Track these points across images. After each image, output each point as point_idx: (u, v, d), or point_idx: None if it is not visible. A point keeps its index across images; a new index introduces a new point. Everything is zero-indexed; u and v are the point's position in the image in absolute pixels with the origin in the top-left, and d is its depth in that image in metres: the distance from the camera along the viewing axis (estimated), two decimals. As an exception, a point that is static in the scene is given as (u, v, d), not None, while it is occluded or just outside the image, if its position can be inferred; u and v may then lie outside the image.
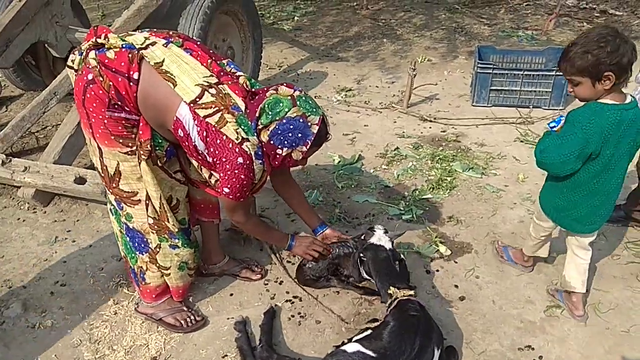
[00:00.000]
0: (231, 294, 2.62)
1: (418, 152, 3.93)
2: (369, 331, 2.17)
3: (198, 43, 2.10)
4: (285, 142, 1.97)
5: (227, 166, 1.95)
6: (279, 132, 1.95)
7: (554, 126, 2.13)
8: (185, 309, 2.46)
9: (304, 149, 2.00)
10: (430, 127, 4.35)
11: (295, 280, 2.67)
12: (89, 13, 5.70)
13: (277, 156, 2.02)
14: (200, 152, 1.99)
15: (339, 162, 3.80)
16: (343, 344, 2.11)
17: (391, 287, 2.25)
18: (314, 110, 2.00)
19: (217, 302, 2.58)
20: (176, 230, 2.21)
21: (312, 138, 1.99)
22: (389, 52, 6.16)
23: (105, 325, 2.46)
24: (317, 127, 1.99)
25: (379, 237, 2.45)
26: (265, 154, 2.03)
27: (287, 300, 2.58)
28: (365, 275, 2.44)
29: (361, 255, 2.42)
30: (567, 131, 2.04)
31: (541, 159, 2.15)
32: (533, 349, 2.30)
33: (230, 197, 2.04)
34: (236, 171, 1.95)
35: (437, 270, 2.78)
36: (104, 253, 2.92)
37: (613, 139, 2.01)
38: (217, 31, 4.22)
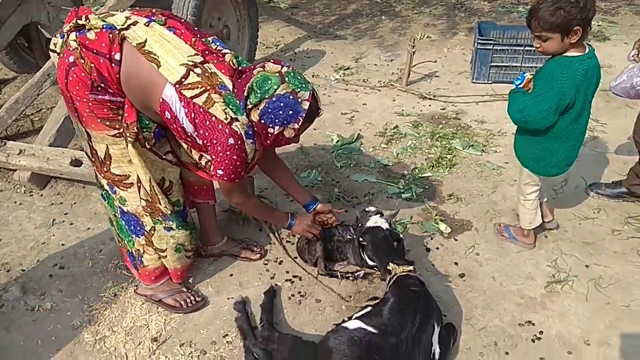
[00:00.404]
0: (231, 275, 2.61)
1: (417, 130, 3.89)
2: (369, 308, 2.17)
3: (182, 21, 2.04)
4: (277, 120, 1.93)
5: (219, 148, 1.91)
6: (270, 110, 1.91)
7: (519, 83, 2.29)
8: (185, 289, 2.45)
9: (296, 126, 1.96)
10: (429, 105, 4.30)
11: (296, 260, 2.66)
12: (81, -7, 5.58)
13: (269, 135, 1.98)
14: (189, 134, 1.95)
15: (338, 141, 3.77)
16: (344, 321, 2.11)
17: (390, 263, 2.25)
18: (304, 85, 1.95)
19: (217, 283, 2.57)
20: (169, 212, 2.19)
21: (304, 114, 1.95)
22: (388, 29, 6.07)
23: (105, 307, 2.46)
24: (307, 103, 1.95)
25: (375, 220, 2.44)
26: (257, 133, 2.00)
27: (287, 280, 2.57)
28: (368, 261, 2.43)
29: (360, 240, 2.41)
30: (543, 88, 2.15)
31: (522, 118, 2.25)
32: (533, 324, 2.30)
33: (225, 179, 2.00)
34: (228, 152, 1.91)
35: (437, 248, 2.77)
36: (102, 235, 2.90)
37: (583, 88, 2.17)
38: (211, 9, 4.14)
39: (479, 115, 4.08)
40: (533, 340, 2.22)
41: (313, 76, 4.93)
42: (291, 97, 1.91)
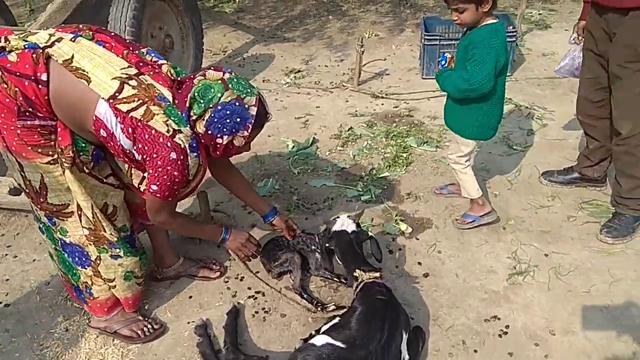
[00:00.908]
0: (190, 297, 2.50)
1: (372, 130, 3.87)
2: (337, 319, 2.12)
3: (112, 34, 1.93)
4: (225, 130, 1.84)
5: (158, 162, 1.79)
6: (216, 120, 1.82)
7: (445, 63, 2.54)
8: (141, 318, 2.32)
9: (246, 133, 1.89)
10: (382, 104, 4.30)
11: (258, 275, 2.58)
12: (15, 9, 5.31)
13: (218, 146, 1.89)
14: (127, 151, 1.83)
15: (293, 147, 3.70)
16: (311, 336, 2.05)
17: (357, 270, 2.20)
18: (248, 90, 1.87)
19: (175, 307, 2.45)
20: (115, 239, 2.06)
21: (252, 120, 1.88)
22: (336, 29, 6.05)
23: (57, 344, 2.30)
24: (255, 108, 1.87)
25: (342, 223, 2.39)
26: (203, 146, 1.90)
27: (249, 297, 2.48)
28: (338, 261, 2.37)
29: (327, 245, 2.36)
30: (481, 54, 2.32)
31: (470, 86, 2.37)
32: (499, 319, 2.30)
33: (158, 195, 1.86)
34: (168, 168, 1.80)
35: (400, 249, 2.74)
36: (49, 266, 2.72)
37: (507, 50, 2.41)
38: (151, 19, 3.99)
39: (431, 111, 4.10)
40: (500, 335, 2.22)
41: (264, 81, 4.84)
42: (237, 103, 1.83)
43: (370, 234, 2.41)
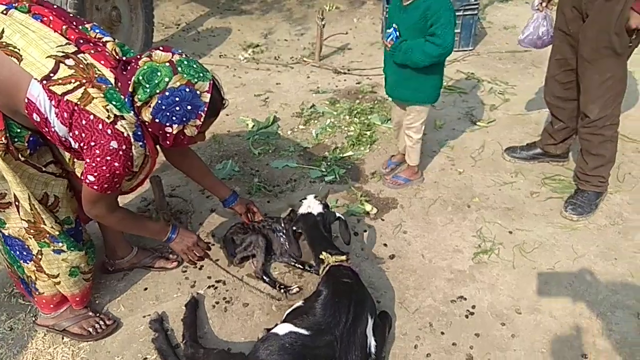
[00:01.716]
0: (145, 289, 2.36)
1: (335, 107, 3.76)
2: (300, 303, 2.04)
3: (53, 6, 1.73)
4: (174, 118, 1.68)
5: (97, 151, 1.63)
6: (164, 107, 1.65)
7: (395, 35, 2.52)
8: (91, 314, 2.17)
9: (198, 122, 1.72)
10: (345, 80, 4.18)
11: (218, 262, 2.46)
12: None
13: (168, 135, 1.73)
14: (63, 138, 1.66)
15: (253, 126, 3.54)
16: (276, 325, 1.96)
17: (323, 253, 2.12)
18: (201, 75, 1.69)
19: (129, 300, 2.31)
20: (57, 232, 1.88)
21: (205, 108, 1.71)
22: (295, 1, 5.84)
23: (0, 345, 2.13)
24: (208, 95, 1.70)
25: (308, 205, 2.30)
26: (151, 134, 1.74)
27: (209, 286, 2.36)
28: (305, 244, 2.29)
29: (294, 228, 2.25)
30: (447, 17, 2.36)
31: (444, 50, 2.40)
32: (465, 299, 2.27)
33: (95, 187, 1.70)
34: (108, 157, 1.64)
35: (365, 231, 2.67)
36: (-11, 261, 2.52)
37: None
38: (96, -10, 3.71)
39: (395, 87, 4.01)
40: (467, 316, 2.19)
41: (220, 56, 4.63)
42: (187, 89, 1.65)
43: (338, 215, 2.33)
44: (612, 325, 2.11)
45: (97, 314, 2.18)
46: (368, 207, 2.79)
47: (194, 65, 1.71)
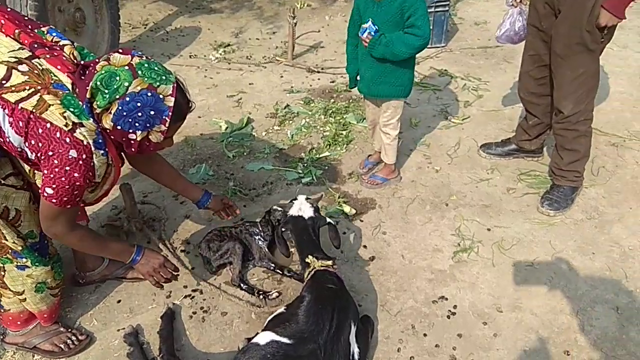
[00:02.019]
0: (119, 301, 2.27)
1: (310, 107, 3.70)
2: (282, 309, 1.98)
3: (6, 9, 1.63)
4: (137, 125, 1.58)
5: (55, 161, 1.53)
6: (125, 113, 1.56)
7: (373, 29, 2.45)
8: (63, 329, 2.07)
9: (163, 127, 1.63)
10: (318, 79, 4.13)
11: (194, 270, 2.39)
12: None
13: (132, 142, 1.65)
14: (18, 149, 1.57)
15: (227, 128, 3.46)
16: (257, 334, 1.90)
17: (309, 256, 2.07)
18: (163, 78, 1.60)
19: (102, 314, 2.21)
20: (20, 248, 1.78)
21: (169, 113, 1.62)
22: (266, -1, 5.76)
23: (-36, 366, 2.02)
24: (172, 99, 1.61)
25: (299, 207, 2.25)
26: (114, 142, 1.66)
27: (186, 296, 2.28)
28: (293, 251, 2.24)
29: (283, 230, 2.19)
30: (423, 8, 2.37)
31: (424, 41, 2.41)
32: (447, 299, 2.26)
33: (54, 200, 1.59)
34: (67, 168, 1.54)
35: (344, 233, 2.63)
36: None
37: None
38: (58, -10, 3.56)
39: (369, 85, 3.98)
40: (448, 317, 2.18)
41: (190, 56, 4.52)
42: (149, 94, 1.56)
43: (328, 220, 2.27)
44: (592, 321, 2.13)
45: (69, 329, 2.08)
46: (347, 208, 2.75)
47: (155, 68, 1.62)
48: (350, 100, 3.78)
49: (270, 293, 2.27)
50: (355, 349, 1.91)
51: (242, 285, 2.31)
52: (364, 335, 2.02)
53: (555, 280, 2.33)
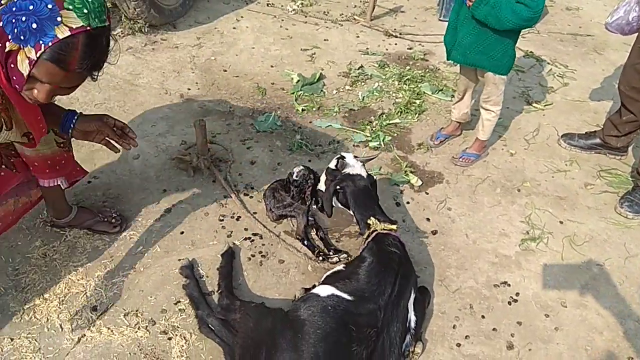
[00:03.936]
0: (182, 232, 2.31)
1: (384, 71, 3.60)
2: (341, 267, 1.97)
3: None
4: (15, 31, 1.26)
5: None
6: (14, 8, 1.25)
7: None
8: (100, 216, 2.28)
9: (33, 54, 1.28)
10: (395, 44, 3.99)
11: (255, 215, 2.40)
12: None
13: (5, 53, 1.32)
14: None
15: (298, 81, 3.41)
16: (314, 286, 1.90)
17: (371, 218, 2.04)
18: (84, 11, 1.28)
19: (165, 242, 2.27)
20: None
21: (51, 43, 1.27)
22: (349, -44, 5.56)
23: (33, 271, 2.11)
24: (67, 32, 1.27)
25: (353, 165, 2.21)
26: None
27: (246, 239, 2.31)
28: (339, 206, 2.20)
29: (338, 187, 2.15)
30: None
31: (534, 14, 2.22)
32: (509, 285, 2.19)
33: None
34: None
35: (408, 203, 2.58)
36: (26, 186, 2.49)
37: None
38: None
39: (448, 57, 3.82)
40: (509, 303, 2.11)
41: (268, 4, 4.45)
42: (50, 6, 1.25)
43: (374, 178, 2.24)
44: (663, 332, 2.02)
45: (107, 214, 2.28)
46: (413, 178, 2.68)
47: (92, 1, 1.30)
48: (427, 70, 3.64)
49: (331, 257, 2.24)
50: (412, 316, 1.88)
51: (305, 241, 2.30)
52: (421, 305, 1.99)
53: (625, 285, 2.21)
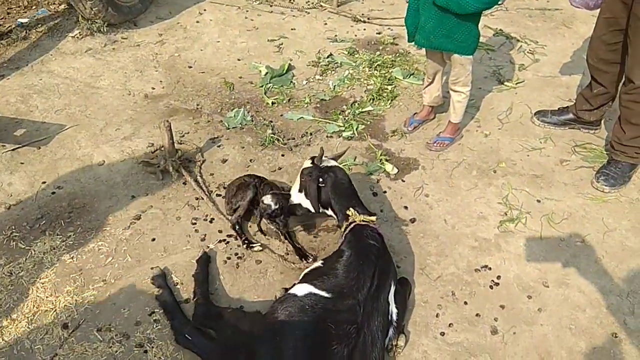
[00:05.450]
0: (153, 239, 2.23)
1: (354, 58, 3.53)
2: (319, 263, 1.92)
3: None
4: None
5: None
6: None
7: None
8: None
9: None
10: (364, 29, 3.92)
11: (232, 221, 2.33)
12: None
13: None
14: None
15: (266, 73, 3.32)
16: (294, 285, 1.85)
17: (350, 209, 1.99)
18: None
19: (136, 251, 2.18)
20: None
21: None
22: (312, -58, 5.44)
23: (-1, 290, 2.02)
24: None
25: (330, 159, 2.17)
26: None
27: (220, 241, 2.24)
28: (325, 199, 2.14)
29: (320, 180, 2.10)
30: None
31: None
32: (490, 268, 2.17)
33: None
34: None
35: (385, 192, 2.53)
36: (-14, 202, 2.38)
37: None
38: None
39: (418, 40, 3.76)
40: (491, 287, 2.09)
41: (232, -4, 4.32)
42: None
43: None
44: (644, 305, 2.02)
45: None
46: (389, 166, 2.64)
47: None
48: (397, 54, 3.58)
49: (253, 245, 2.18)
50: (394, 309, 1.85)
51: (235, 226, 2.24)
52: (402, 297, 1.95)
53: (606, 259, 2.21)
